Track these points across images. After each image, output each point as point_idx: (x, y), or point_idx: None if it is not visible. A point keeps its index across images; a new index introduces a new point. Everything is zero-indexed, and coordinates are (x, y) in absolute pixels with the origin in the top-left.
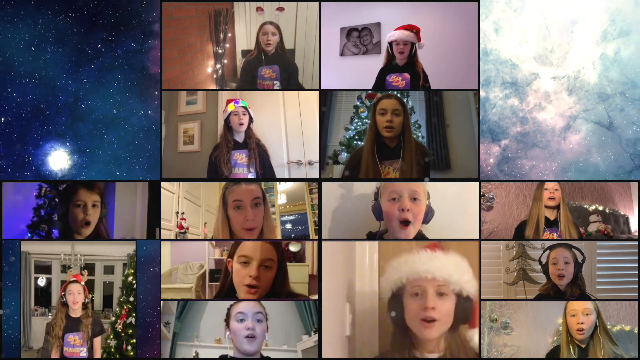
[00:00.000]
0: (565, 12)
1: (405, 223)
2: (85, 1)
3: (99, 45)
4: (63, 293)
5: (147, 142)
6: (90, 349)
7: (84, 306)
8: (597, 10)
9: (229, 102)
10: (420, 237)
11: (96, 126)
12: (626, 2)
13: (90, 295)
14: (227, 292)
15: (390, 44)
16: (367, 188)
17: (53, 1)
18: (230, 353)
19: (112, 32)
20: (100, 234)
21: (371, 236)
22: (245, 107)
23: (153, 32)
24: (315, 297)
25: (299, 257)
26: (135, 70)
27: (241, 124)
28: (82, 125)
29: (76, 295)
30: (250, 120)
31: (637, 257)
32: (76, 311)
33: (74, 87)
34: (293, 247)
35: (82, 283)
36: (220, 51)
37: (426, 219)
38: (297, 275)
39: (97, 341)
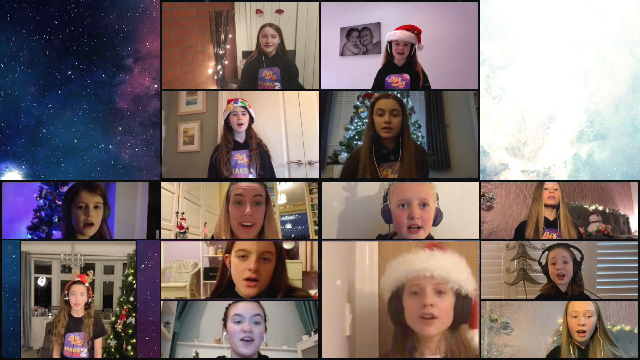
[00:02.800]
0: (544, 107)
1: (416, 228)
2: (61, 26)
3: (69, 72)
4: (66, 292)
5: (104, 177)
6: (91, 350)
7: (87, 306)
8: (577, 110)
9: (229, 102)
10: (428, 238)
11: (54, 153)
12: (607, 105)
13: (92, 296)
14: (225, 288)
15: (390, 43)
16: (370, 190)
17: (29, 21)
18: (228, 354)
19: (84, 60)
20: (103, 235)
21: (381, 239)
22: (244, 107)
23: (125, 67)
24: (313, 292)
25: (292, 255)
26: (102, 103)
27: (240, 124)
28: (40, 150)
29: (78, 297)
30: (251, 120)
31: (637, 257)
32: (78, 311)
33: (37, 110)
34: (287, 245)
35: (87, 284)
36: (221, 52)
37: (435, 222)
38: (291, 272)
39: (98, 342)
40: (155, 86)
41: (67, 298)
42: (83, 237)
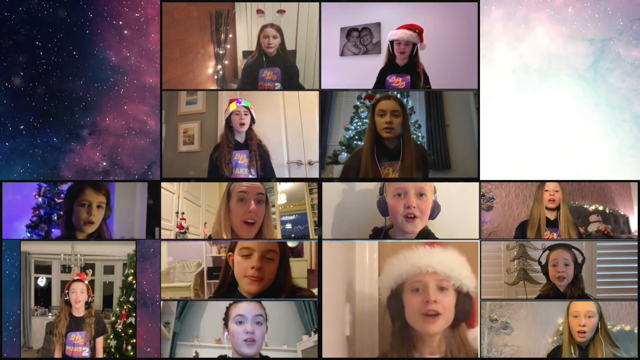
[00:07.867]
0: None
1: (412, 217)
2: (26, 78)
3: (21, 127)
4: (67, 291)
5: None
6: (93, 349)
7: (87, 305)
8: None
9: (231, 101)
10: (426, 233)
11: None
12: None
13: (93, 295)
14: (228, 286)
15: (392, 42)
16: (369, 184)
17: None
18: (229, 353)
19: (40, 119)
20: (102, 235)
21: (377, 231)
22: (247, 108)
23: (79, 136)
24: (316, 290)
25: (297, 252)
26: (47, 167)
27: (242, 124)
28: None
29: (79, 294)
30: (252, 121)
31: (637, 257)
32: (79, 310)
33: None
34: (291, 243)
35: (86, 282)
36: (221, 52)
37: (432, 215)
38: (296, 270)
39: (100, 341)
40: (104, 164)
41: (67, 298)
42: (82, 234)
